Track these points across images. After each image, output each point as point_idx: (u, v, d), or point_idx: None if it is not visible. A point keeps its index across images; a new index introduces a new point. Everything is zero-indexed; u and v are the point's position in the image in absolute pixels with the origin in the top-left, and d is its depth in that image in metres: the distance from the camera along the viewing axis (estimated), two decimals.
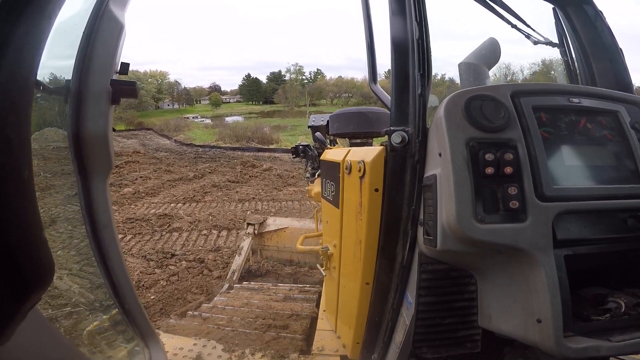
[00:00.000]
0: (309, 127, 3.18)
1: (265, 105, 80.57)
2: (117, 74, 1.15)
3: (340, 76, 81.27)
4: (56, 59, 1.04)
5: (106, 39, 1.09)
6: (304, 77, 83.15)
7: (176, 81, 78.90)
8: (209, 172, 11.17)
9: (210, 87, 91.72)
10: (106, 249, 1.19)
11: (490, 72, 1.64)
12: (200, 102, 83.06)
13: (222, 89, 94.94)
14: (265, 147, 19.03)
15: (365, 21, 1.48)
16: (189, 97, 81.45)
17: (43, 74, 0.99)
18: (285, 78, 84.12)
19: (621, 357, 0.99)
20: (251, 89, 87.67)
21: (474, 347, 1.09)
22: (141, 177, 10.15)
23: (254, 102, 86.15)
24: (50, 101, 1.12)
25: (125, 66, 1.17)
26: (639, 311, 0.92)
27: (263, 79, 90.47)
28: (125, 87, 1.15)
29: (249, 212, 6.62)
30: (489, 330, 1.03)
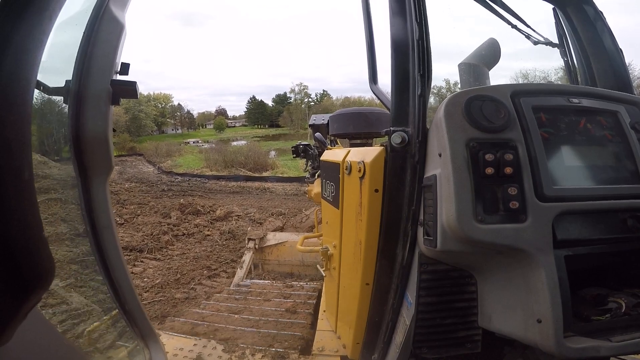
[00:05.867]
0: (309, 126, 3.19)
1: (270, 129, 78.42)
2: (118, 74, 1.15)
3: (347, 97, 76.84)
4: (56, 59, 1.04)
5: (106, 40, 1.09)
6: (310, 99, 78.79)
7: (179, 104, 76.93)
8: (120, 224, 7.13)
9: (217, 111, 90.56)
10: (106, 250, 1.19)
11: None
12: (205, 127, 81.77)
13: (230, 114, 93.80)
14: (256, 175, 16.49)
15: (365, 21, 1.48)
16: (192, 121, 79.80)
17: (43, 74, 0.99)
18: (290, 100, 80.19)
19: (621, 357, 0.99)
20: (257, 112, 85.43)
21: (474, 347, 1.08)
22: None
23: (259, 126, 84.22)
24: (50, 101, 1.12)
25: (125, 66, 1.17)
26: (639, 311, 0.92)
27: (269, 102, 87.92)
28: (126, 88, 1.15)
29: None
30: (489, 331, 1.03)
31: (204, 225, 7.20)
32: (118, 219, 7.08)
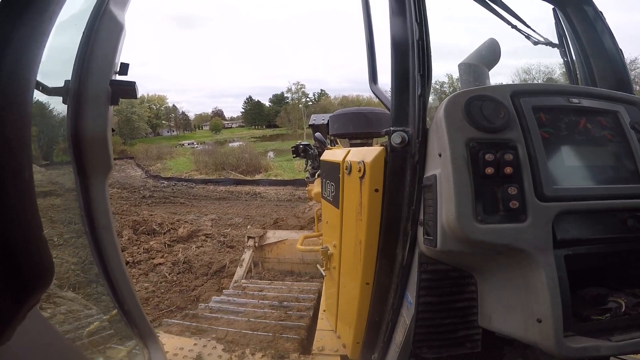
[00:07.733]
0: (309, 126, 3.20)
1: (267, 129, 76.83)
2: (117, 75, 1.15)
3: (345, 96, 74.88)
4: (56, 59, 1.03)
5: (106, 40, 1.09)
6: (308, 99, 76.14)
7: (174, 106, 75.40)
8: (56, 245, 3.43)
9: (213, 112, 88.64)
10: (105, 250, 1.19)
11: None
12: (202, 128, 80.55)
13: (227, 115, 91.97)
14: (248, 178, 15.69)
15: (365, 21, 1.48)
16: (187, 123, 78.24)
17: (42, 74, 0.99)
18: (287, 100, 77.61)
19: (621, 357, 0.99)
20: (254, 113, 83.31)
21: (474, 347, 1.08)
22: None
23: (256, 127, 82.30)
24: (49, 101, 1.12)
25: (124, 67, 1.17)
26: (639, 311, 0.92)
27: (266, 103, 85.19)
28: (125, 88, 1.15)
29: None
30: (489, 330, 1.03)
31: (157, 249, 5.77)
32: (56, 239, 5.34)
